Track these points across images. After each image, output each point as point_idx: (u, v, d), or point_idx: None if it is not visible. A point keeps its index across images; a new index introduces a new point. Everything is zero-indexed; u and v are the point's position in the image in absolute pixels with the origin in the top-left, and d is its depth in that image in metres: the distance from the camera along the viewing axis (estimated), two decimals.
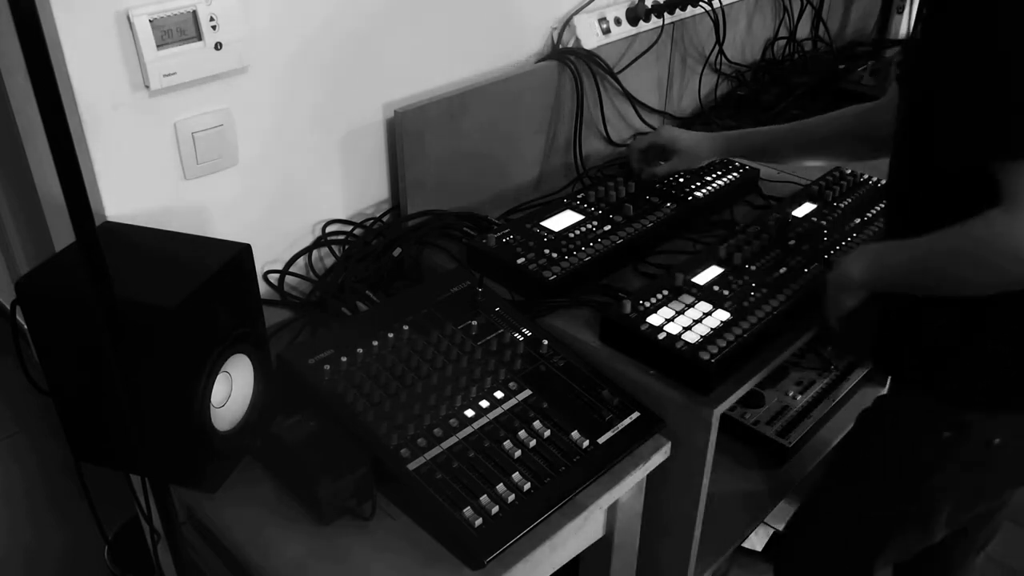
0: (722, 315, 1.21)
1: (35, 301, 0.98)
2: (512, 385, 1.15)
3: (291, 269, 1.40)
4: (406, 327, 1.20)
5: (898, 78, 1.23)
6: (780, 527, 1.92)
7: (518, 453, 1.05)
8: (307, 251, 1.42)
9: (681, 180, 1.59)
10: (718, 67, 2.04)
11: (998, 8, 0.90)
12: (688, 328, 1.18)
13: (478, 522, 0.97)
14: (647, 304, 1.23)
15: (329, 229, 1.43)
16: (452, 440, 1.05)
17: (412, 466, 1.01)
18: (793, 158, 1.50)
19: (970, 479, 1.14)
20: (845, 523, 1.25)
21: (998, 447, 1.08)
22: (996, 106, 0.92)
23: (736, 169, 1.64)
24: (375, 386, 1.11)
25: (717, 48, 1.96)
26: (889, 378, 1.26)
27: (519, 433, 1.08)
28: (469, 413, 1.09)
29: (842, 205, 1.52)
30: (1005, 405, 1.08)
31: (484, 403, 1.11)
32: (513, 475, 1.03)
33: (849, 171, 1.62)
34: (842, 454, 1.34)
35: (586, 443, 1.09)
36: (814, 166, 1.68)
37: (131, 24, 1.07)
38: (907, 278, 1.08)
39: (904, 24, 2.43)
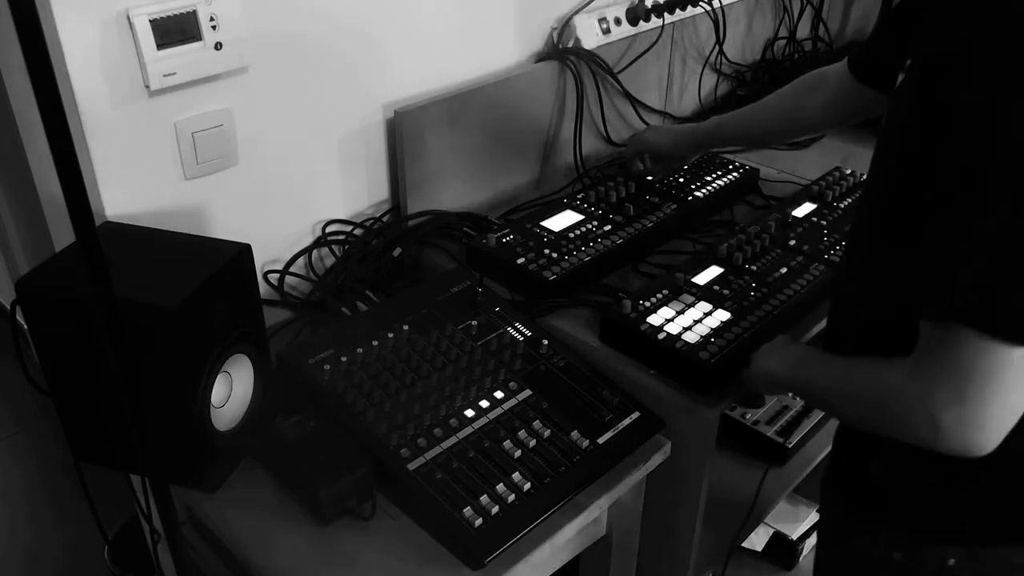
0: (722, 315, 1.21)
1: (35, 301, 0.98)
2: (512, 385, 1.15)
3: (291, 269, 1.40)
4: (406, 327, 1.20)
5: (850, 66, 1.22)
6: (780, 527, 1.92)
7: (518, 453, 1.05)
8: (307, 251, 1.42)
9: (681, 180, 1.59)
10: (718, 67, 2.04)
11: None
12: (688, 328, 1.18)
13: (478, 522, 0.97)
14: (647, 304, 1.23)
15: (329, 229, 1.43)
16: (452, 440, 1.05)
17: (412, 466, 1.01)
18: (773, 140, 1.49)
19: None
20: None
21: (953, 568, 0.94)
22: (950, 256, 0.76)
23: (736, 169, 1.64)
24: (375, 386, 1.11)
25: (717, 48, 1.96)
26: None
27: (519, 433, 1.08)
28: (469, 413, 1.09)
29: (842, 205, 1.52)
30: (956, 540, 0.93)
31: (484, 403, 1.11)
32: (513, 475, 1.03)
33: (849, 171, 1.62)
34: None
35: (586, 443, 1.09)
36: (812, 166, 1.68)
37: (131, 24, 1.07)
38: (822, 398, 1.01)
39: None
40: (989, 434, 0.77)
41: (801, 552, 1.97)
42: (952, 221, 0.75)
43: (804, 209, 1.50)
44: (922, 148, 0.78)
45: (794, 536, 1.92)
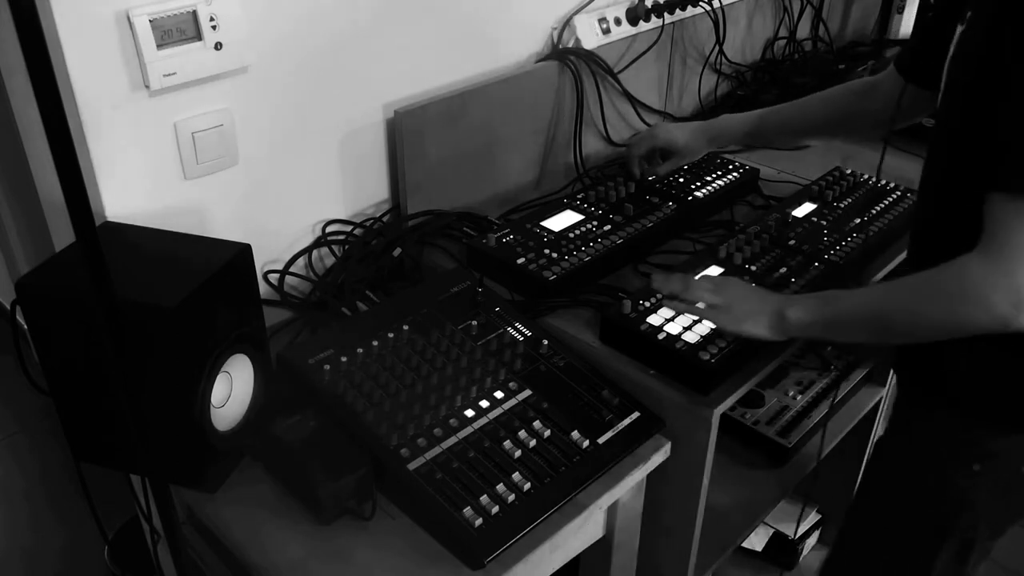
0: None
1: (35, 301, 0.98)
2: (512, 385, 1.15)
3: (291, 269, 1.40)
4: (406, 327, 1.20)
5: (896, 65, 1.26)
6: (780, 527, 1.92)
7: (518, 453, 1.05)
8: (307, 251, 1.42)
9: (681, 180, 1.59)
10: (718, 67, 2.04)
11: None
12: (688, 328, 1.18)
13: (478, 522, 0.97)
14: (647, 304, 1.23)
15: (329, 229, 1.43)
16: (452, 440, 1.05)
17: (412, 466, 1.01)
18: (789, 141, 1.50)
19: (1002, 507, 1.10)
20: (878, 565, 1.20)
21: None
22: (1007, 132, 0.88)
23: (736, 169, 1.64)
24: (375, 386, 1.11)
25: (717, 48, 1.96)
26: (895, 404, 1.20)
27: (519, 433, 1.08)
28: (469, 413, 1.09)
29: (842, 205, 1.52)
30: None
31: (484, 403, 1.11)
32: (513, 475, 1.03)
33: (849, 171, 1.62)
34: (867, 499, 1.26)
35: (586, 443, 1.09)
36: (812, 166, 1.68)
37: (131, 24, 1.07)
38: (852, 328, 1.05)
39: (904, 24, 2.43)
40: None
41: (801, 552, 1.97)
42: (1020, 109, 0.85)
43: (804, 209, 1.50)
44: (993, 69, 0.89)
45: (794, 536, 1.92)
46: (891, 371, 1.74)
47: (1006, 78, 0.87)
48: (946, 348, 1.00)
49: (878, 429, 1.87)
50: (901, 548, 1.17)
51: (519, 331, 1.23)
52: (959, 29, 1.00)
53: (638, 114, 1.83)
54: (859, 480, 1.29)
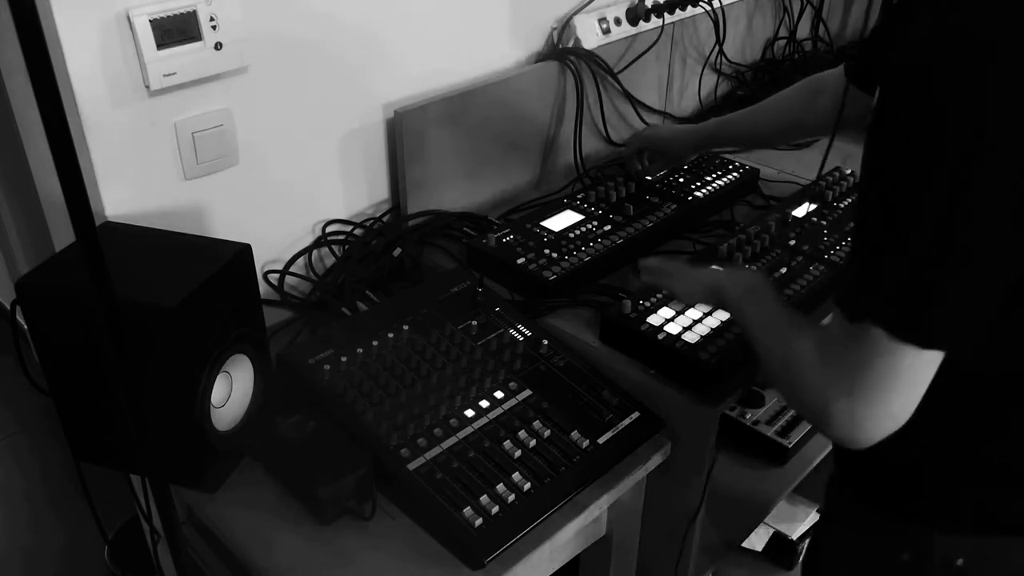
0: (722, 315, 1.21)
1: (35, 301, 0.98)
2: (512, 385, 1.15)
3: (291, 269, 1.40)
4: (406, 327, 1.20)
5: (846, 70, 1.23)
6: (780, 527, 1.92)
7: (518, 453, 1.05)
8: (307, 251, 1.42)
9: (681, 180, 1.59)
10: (718, 67, 2.04)
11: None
12: (688, 328, 1.18)
13: (478, 522, 0.97)
14: (647, 304, 1.23)
15: (329, 229, 1.43)
16: (452, 440, 1.05)
17: (412, 466, 1.01)
18: (776, 142, 1.50)
19: None
20: None
21: (961, 569, 0.93)
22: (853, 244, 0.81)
23: (736, 169, 1.64)
24: (375, 386, 1.11)
25: (717, 48, 1.96)
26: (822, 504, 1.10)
27: (519, 433, 1.08)
28: (469, 413, 1.09)
29: (842, 205, 1.52)
30: (971, 528, 0.93)
31: (484, 403, 1.11)
32: (513, 475, 1.03)
33: (849, 171, 1.62)
34: None
35: (586, 443, 1.09)
36: (812, 166, 1.68)
37: (131, 24, 1.07)
38: (755, 336, 0.97)
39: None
40: (869, 433, 0.79)
41: (801, 552, 1.97)
42: (885, 227, 0.75)
43: (804, 209, 1.50)
44: (873, 151, 0.77)
45: (794, 536, 1.92)
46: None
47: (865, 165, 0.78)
48: (893, 451, 0.90)
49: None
50: None
51: (519, 331, 1.23)
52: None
53: (638, 114, 1.83)
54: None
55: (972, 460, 0.90)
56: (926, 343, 0.75)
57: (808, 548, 1.17)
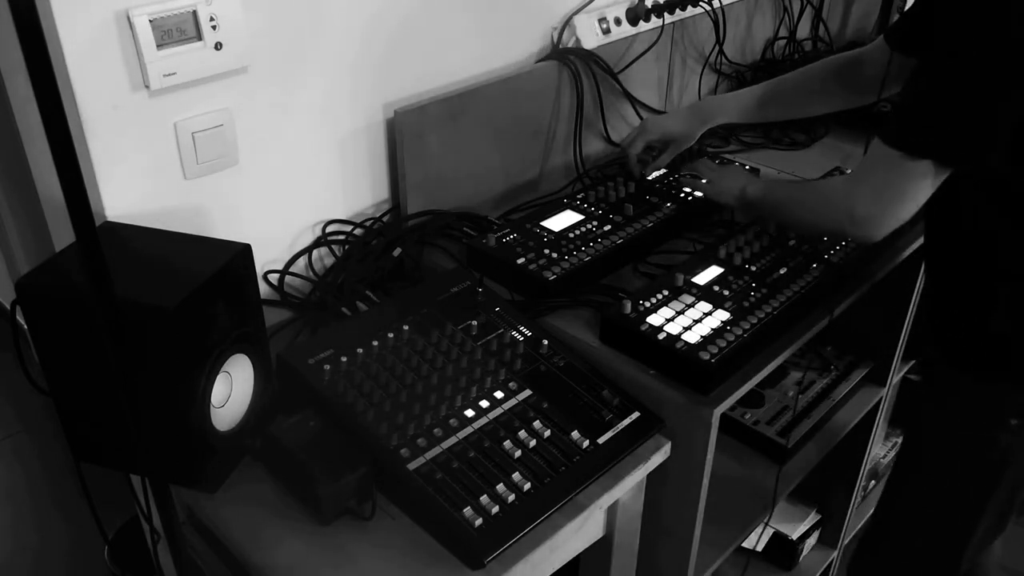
0: (722, 315, 1.21)
1: (35, 301, 0.98)
2: (512, 385, 1.15)
3: (291, 269, 1.40)
4: (406, 327, 1.20)
5: (885, 36, 1.36)
6: (780, 527, 1.92)
7: (518, 453, 1.05)
8: (307, 251, 1.42)
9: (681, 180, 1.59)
10: (718, 67, 2.04)
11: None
12: (688, 328, 1.18)
13: (478, 522, 0.97)
14: (647, 304, 1.23)
15: (329, 229, 1.43)
16: (452, 440, 1.06)
17: (412, 466, 1.01)
18: (781, 115, 1.54)
19: None
20: (923, 531, 1.28)
21: None
22: (902, 95, 1.08)
23: None
24: (375, 386, 1.11)
25: (717, 48, 1.96)
26: (923, 374, 1.36)
27: (519, 433, 1.08)
28: (469, 413, 1.09)
29: None
30: None
31: (484, 403, 1.11)
32: (513, 475, 1.03)
33: (849, 171, 1.62)
34: (908, 462, 1.37)
35: (586, 443, 1.09)
36: (812, 166, 1.68)
37: (131, 24, 1.07)
38: (779, 211, 1.30)
39: None
40: (884, 229, 1.09)
41: (801, 552, 1.97)
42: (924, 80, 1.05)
43: None
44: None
45: (794, 536, 1.92)
46: (892, 366, 1.75)
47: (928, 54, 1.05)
48: (991, 318, 1.16)
49: (878, 429, 1.87)
50: (944, 510, 1.25)
51: (519, 331, 1.23)
52: None
53: (638, 114, 1.83)
54: (899, 449, 1.45)
55: None
56: (914, 152, 1.04)
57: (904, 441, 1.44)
